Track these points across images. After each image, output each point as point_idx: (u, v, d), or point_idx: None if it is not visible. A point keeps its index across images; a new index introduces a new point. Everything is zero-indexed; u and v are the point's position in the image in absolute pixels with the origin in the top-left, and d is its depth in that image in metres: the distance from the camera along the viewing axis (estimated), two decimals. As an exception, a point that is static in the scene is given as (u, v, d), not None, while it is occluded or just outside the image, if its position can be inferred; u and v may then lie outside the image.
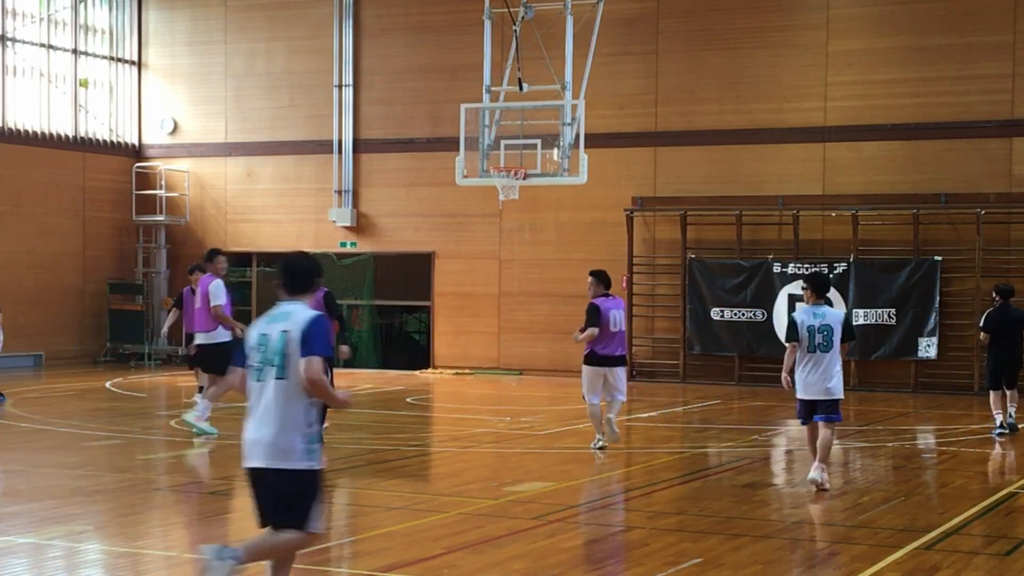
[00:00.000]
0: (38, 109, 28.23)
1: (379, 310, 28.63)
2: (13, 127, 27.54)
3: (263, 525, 7.36)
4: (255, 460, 7.29)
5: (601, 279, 15.19)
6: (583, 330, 14.85)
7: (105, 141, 29.63)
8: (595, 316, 14.81)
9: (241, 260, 29.62)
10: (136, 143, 30.25)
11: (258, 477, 7.30)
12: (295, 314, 7.37)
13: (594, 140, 23.23)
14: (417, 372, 26.98)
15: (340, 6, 28.33)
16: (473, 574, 9.06)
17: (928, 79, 24.19)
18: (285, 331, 7.30)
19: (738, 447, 16.18)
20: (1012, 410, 17.36)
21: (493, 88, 22.54)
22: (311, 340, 7.24)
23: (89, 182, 29.01)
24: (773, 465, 15.34)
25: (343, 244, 28.40)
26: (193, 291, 19.77)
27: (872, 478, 13.95)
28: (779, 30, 25.16)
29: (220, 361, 15.24)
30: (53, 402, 20.90)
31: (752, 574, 9.17)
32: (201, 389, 19.94)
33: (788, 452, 16.42)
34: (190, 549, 9.85)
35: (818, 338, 12.57)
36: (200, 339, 16.48)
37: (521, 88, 21.87)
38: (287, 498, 7.23)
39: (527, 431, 17.44)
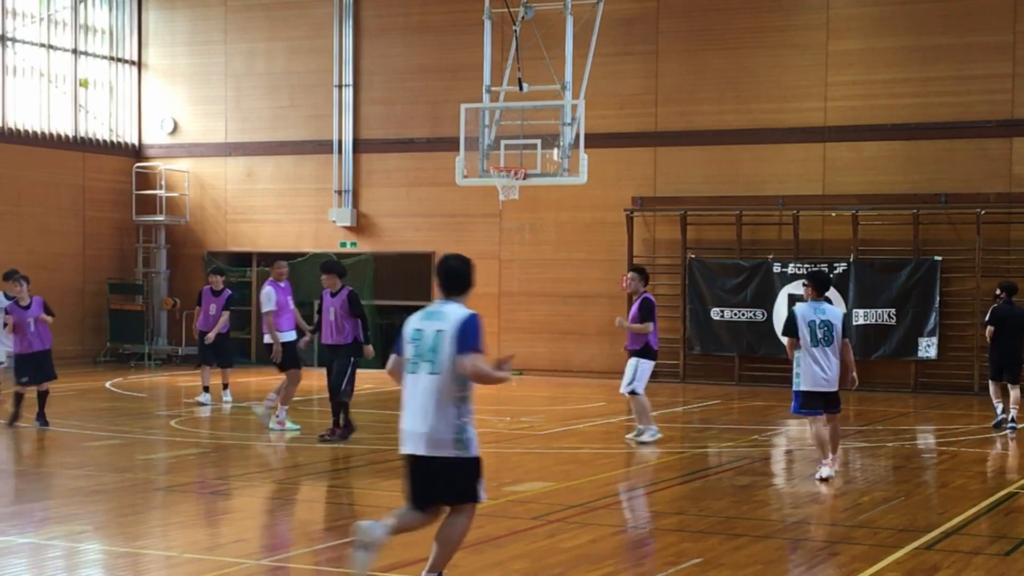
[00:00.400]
0: (38, 109, 28.22)
1: (379, 310, 28.60)
2: (13, 127, 27.54)
3: (416, 506, 8.05)
4: (412, 448, 7.97)
5: (644, 275, 16.19)
6: (640, 320, 15.72)
7: (105, 141, 29.63)
8: (653, 312, 15.82)
9: (241, 260, 29.64)
10: (136, 143, 30.25)
11: (413, 464, 8.02)
12: (451, 314, 7.98)
13: (594, 140, 23.23)
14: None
15: (340, 6, 28.33)
16: (473, 574, 9.06)
17: (928, 79, 24.19)
18: (440, 330, 7.94)
19: (738, 447, 16.18)
20: (1014, 412, 17.63)
21: (493, 88, 22.54)
22: (467, 336, 7.90)
23: (89, 182, 29.01)
24: (773, 465, 15.34)
25: (343, 244, 28.40)
26: (213, 291, 20.08)
27: (872, 478, 13.95)
28: (779, 30, 25.16)
29: (293, 359, 16.81)
30: (53, 402, 20.87)
31: (752, 574, 9.17)
32: (207, 389, 20.02)
33: (788, 452, 16.42)
34: (190, 548, 9.86)
35: (819, 333, 12.89)
36: (290, 337, 17.22)
37: (521, 88, 21.87)
38: (443, 484, 7.98)
39: (527, 431, 17.45)
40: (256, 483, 13.32)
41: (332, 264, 16.43)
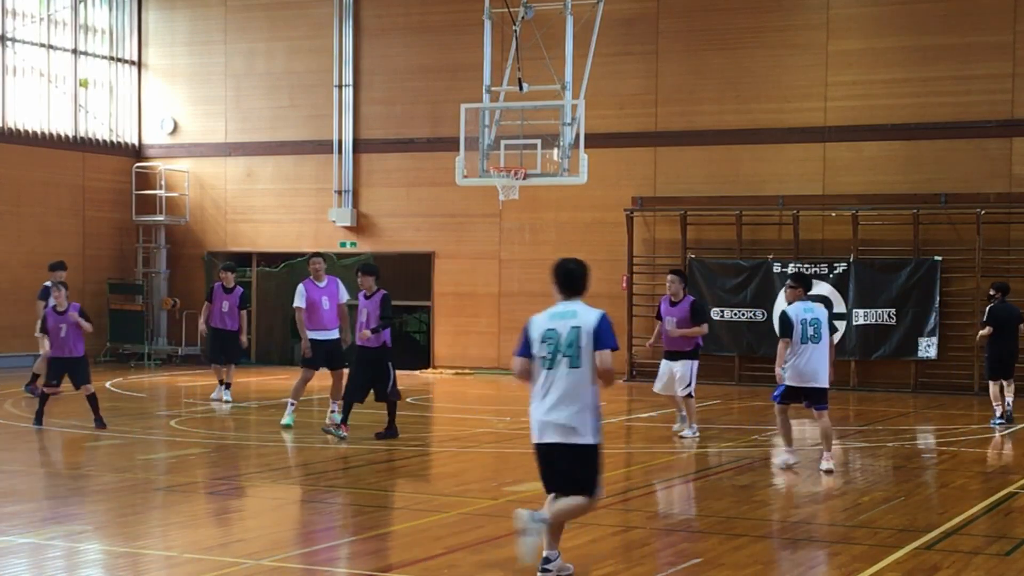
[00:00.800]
0: (38, 109, 28.22)
1: (379, 310, 28.60)
2: (13, 127, 27.54)
3: (551, 491, 8.71)
4: (550, 437, 8.58)
5: (685, 278, 16.78)
6: (694, 323, 16.16)
7: (105, 141, 29.63)
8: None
9: (241, 260, 29.62)
10: (136, 143, 30.25)
11: (552, 452, 8.61)
12: (582, 313, 8.63)
13: (594, 140, 23.23)
14: (417, 372, 26.97)
15: (340, 6, 28.33)
16: (473, 574, 9.06)
17: (928, 79, 24.19)
18: (576, 327, 8.54)
19: (738, 447, 16.17)
20: (1010, 399, 18.35)
21: (493, 88, 22.54)
22: (607, 334, 8.53)
23: (89, 182, 29.01)
24: (773, 465, 15.33)
25: (343, 244, 28.40)
26: (225, 288, 20.11)
27: (872, 478, 13.95)
28: (779, 30, 25.16)
29: (341, 358, 17.05)
30: (53, 402, 20.89)
31: (752, 574, 9.17)
32: (225, 385, 20.02)
33: (788, 452, 16.40)
34: (190, 548, 9.87)
35: (809, 331, 13.52)
36: (327, 335, 17.13)
37: (521, 88, 21.86)
38: (579, 470, 8.56)
39: (527, 431, 17.37)
40: (256, 483, 13.31)
41: (369, 267, 16.27)
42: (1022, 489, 12.97)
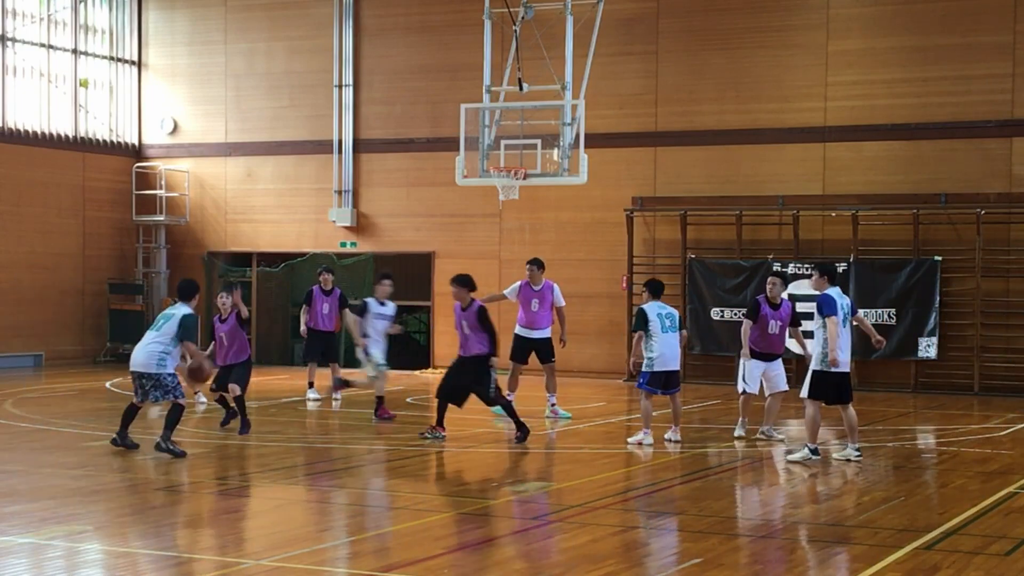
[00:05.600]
0: (38, 109, 28.23)
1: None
2: (13, 127, 27.54)
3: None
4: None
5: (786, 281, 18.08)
6: (794, 327, 16.66)
7: (105, 141, 29.64)
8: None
9: (241, 260, 29.64)
10: (136, 143, 30.25)
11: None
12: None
13: (594, 140, 23.24)
14: (417, 372, 26.96)
15: (340, 6, 28.33)
16: (473, 574, 9.06)
17: (928, 79, 24.19)
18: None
19: (738, 447, 16.17)
20: None
21: (493, 88, 22.54)
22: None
23: (89, 182, 29.01)
24: (773, 465, 15.33)
25: (343, 244, 28.41)
26: (323, 290, 20.27)
27: (872, 478, 13.95)
28: (779, 30, 25.16)
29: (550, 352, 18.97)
30: (53, 402, 20.90)
31: (752, 574, 9.17)
32: (312, 385, 20.55)
33: (788, 452, 16.41)
34: (190, 548, 9.86)
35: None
36: (540, 334, 18.96)
37: (521, 88, 21.87)
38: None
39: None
40: (256, 483, 13.32)
41: (463, 279, 16.15)
42: (1022, 489, 12.97)
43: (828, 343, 14.09)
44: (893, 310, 23.88)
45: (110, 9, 29.83)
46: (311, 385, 20.67)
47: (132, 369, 15.12)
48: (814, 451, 14.56)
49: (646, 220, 25.95)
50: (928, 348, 23.71)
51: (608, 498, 12.65)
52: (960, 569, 9.29)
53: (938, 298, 23.68)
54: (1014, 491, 12.82)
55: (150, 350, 14.80)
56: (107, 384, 23.56)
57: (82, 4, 29.13)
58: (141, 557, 9.53)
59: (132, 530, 10.71)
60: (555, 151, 21.69)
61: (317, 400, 20.41)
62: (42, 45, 28.32)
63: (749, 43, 25.32)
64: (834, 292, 14.40)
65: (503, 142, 22.20)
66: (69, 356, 28.11)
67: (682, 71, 25.77)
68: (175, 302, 15.27)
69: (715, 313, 24.94)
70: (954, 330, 23.85)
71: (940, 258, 23.78)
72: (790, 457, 14.67)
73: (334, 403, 20.32)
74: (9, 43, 27.51)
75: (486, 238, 27.15)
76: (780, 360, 16.49)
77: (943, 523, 10.98)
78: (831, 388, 14.31)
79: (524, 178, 21.80)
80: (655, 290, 16.13)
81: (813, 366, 14.38)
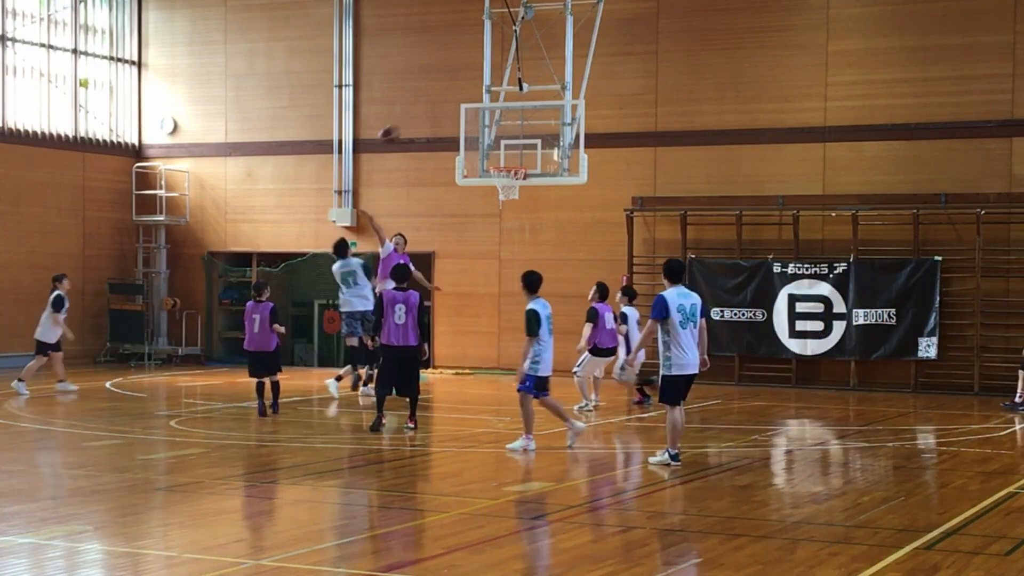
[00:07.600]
0: (38, 109, 28.22)
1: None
2: (13, 127, 27.53)
3: (678, 403, 14.09)
4: (691, 370, 14.02)
5: None
6: None
7: (105, 141, 29.63)
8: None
9: (241, 260, 29.63)
10: (136, 143, 30.25)
11: (689, 377, 14.12)
12: (691, 294, 14.08)
13: (594, 140, 23.23)
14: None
15: (340, 6, 28.33)
16: (473, 574, 9.06)
17: (928, 79, 24.18)
18: (694, 304, 13.96)
19: (738, 447, 16.18)
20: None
21: (493, 88, 22.53)
22: (702, 309, 14.13)
23: (89, 182, 29.01)
24: (773, 465, 15.34)
25: (343, 244, 28.37)
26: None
27: (872, 478, 13.95)
28: (779, 30, 25.15)
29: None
30: (53, 402, 20.90)
31: (752, 574, 9.17)
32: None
33: (788, 452, 16.43)
34: (190, 548, 9.87)
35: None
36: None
37: (521, 88, 21.86)
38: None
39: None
40: (256, 483, 13.32)
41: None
42: (1022, 489, 12.97)
43: (670, 346, 13.76)
44: (893, 310, 23.88)
45: (110, 9, 29.82)
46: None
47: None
48: (675, 456, 14.13)
49: (646, 220, 25.95)
50: (928, 348, 23.70)
51: (608, 498, 12.65)
52: (960, 569, 9.29)
53: (938, 298, 23.68)
54: (1014, 491, 12.82)
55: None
56: (107, 384, 23.57)
57: (82, 4, 29.13)
58: (141, 557, 9.53)
59: (132, 530, 10.71)
60: (555, 151, 21.68)
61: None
62: (42, 45, 28.32)
63: (749, 43, 25.32)
64: (674, 292, 13.95)
65: (503, 142, 22.19)
66: (69, 356, 28.01)
67: (682, 71, 25.77)
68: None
69: (715, 313, 24.92)
70: (954, 330, 23.85)
71: (940, 258, 23.77)
72: (651, 459, 14.31)
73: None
74: (9, 43, 27.51)
75: (486, 238, 27.14)
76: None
77: (943, 523, 10.98)
78: (682, 389, 14.13)
79: (524, 178, 21.79)
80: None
81: (662, 372, 13.94)
